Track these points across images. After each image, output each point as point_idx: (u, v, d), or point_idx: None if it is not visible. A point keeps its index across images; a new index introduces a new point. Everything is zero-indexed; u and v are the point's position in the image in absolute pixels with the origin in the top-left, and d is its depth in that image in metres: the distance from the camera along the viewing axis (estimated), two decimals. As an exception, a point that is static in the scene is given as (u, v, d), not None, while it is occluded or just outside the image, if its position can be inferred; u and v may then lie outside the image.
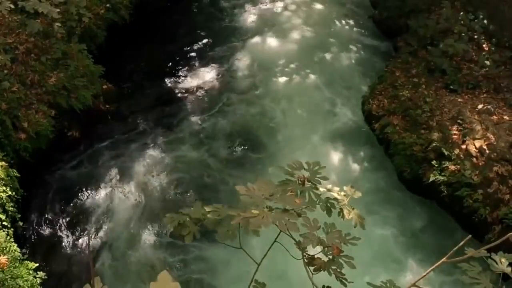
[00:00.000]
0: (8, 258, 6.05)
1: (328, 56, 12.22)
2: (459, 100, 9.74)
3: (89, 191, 8.88)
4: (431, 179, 8.67)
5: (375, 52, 12.34)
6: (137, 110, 10.50)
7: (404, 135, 9.35)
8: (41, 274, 6.72)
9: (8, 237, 6.82)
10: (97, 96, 9.85)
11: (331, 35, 12.85)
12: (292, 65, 11.89)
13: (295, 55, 12.24)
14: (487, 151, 8.60)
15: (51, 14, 7.97)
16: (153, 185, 9.10)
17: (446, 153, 8.74)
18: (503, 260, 2.37)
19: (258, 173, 9.08)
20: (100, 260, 7.89)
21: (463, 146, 8.78)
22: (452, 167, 8.59)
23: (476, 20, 11.19)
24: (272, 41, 12.65)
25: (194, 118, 10.45)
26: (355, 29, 13.14)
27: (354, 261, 2.62)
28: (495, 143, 8.69)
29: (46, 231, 8.24)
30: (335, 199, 2.86)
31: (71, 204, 8.65)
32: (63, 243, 8.10)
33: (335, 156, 9.76)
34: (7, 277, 6.11)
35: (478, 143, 8.74)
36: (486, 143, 8.71)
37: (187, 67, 11.73)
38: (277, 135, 10.14)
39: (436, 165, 8.75)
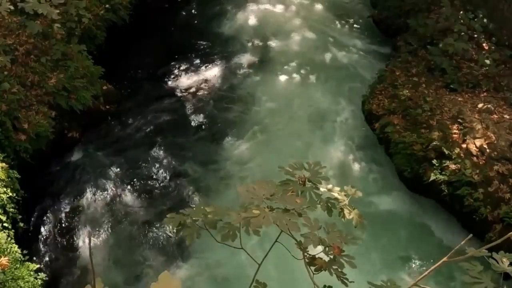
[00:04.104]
0: (9, 259, 6.05)
1: (327, 55, 12.23)
2: (459, 99, 9.74)
3: (89, 192, 8.88)
4: (432, 178, 8.66)
5: (375, 52, 12.35)
6: (137, 110, 10.51)
7: (404, 135, 9.34)
8: (42, 275, 6.71)
9: (9, 238, 6.82)
10: (97, 97, 9.84)
11: (330, 35, 12.86)
12: (291, 65, 11.90)
13: (295, 54, 12.25)
14: (487, 150, 8.60)
15: (50, 15, 7.97)
16: (154, 185, 9.10)
17: (446, 152, 8.73)
18: (504, 259, 2.37)
19: (257, 174, 9.12)
20: (101, 260, 7.89)
21: (464, 145, 8.78)
22: (453, 166, 8.58)
23: (475, 19, 11.19)
24: (272, 41, 12.66)
25: (194, 118, 10.45)
26: (355, 28, 13.16)
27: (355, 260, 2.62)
28: (495, 142, 8.69)
29: (47, 232, 8.24)
30: (336, 199, 2.85)
31: (72, 205, 8.66)
32: (64, 244, 8.11)
33: (335, 156, 9.76)
34: (8, 278, 6.10)
35: (478, 142, 8.73)
36: (486, 142, 8.70)
37: (187, 67, 11.74)
38: (277, 135, 10.15)
39: (436, 164, 8.74)
